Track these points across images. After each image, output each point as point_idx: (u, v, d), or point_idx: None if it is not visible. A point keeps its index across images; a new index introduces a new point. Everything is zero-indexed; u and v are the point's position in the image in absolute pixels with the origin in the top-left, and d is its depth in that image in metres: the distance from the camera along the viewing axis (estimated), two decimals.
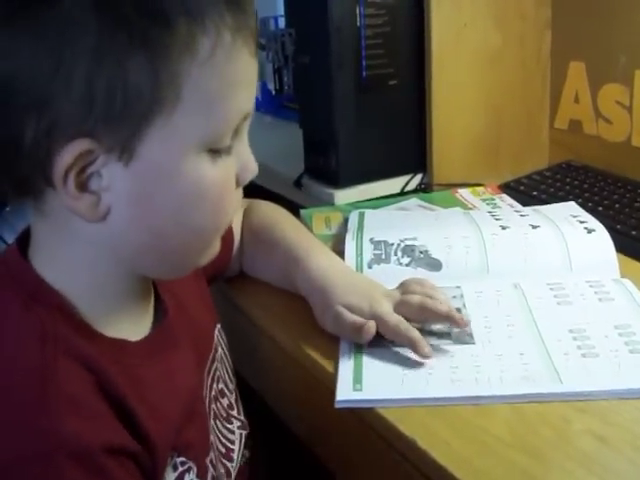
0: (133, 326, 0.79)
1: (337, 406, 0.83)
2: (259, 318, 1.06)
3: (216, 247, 0.80)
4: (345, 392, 0.84)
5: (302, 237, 1.09)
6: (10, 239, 3.51)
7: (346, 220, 1.26)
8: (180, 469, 0.78)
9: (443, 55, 1.44)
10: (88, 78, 0.63)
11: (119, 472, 0.67)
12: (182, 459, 0.78)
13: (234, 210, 0.78)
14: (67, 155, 0.65)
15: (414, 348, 0.88)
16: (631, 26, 1.44)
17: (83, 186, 0.68)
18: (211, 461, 0.85)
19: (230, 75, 0.70)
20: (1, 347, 0.70)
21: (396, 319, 0.91)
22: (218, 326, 0.99)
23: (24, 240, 0.77)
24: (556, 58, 1.60)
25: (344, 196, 1.45)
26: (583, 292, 1.02)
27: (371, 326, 0.90)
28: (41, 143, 0.65)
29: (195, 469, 0.80)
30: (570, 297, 1.01)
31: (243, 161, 0.76)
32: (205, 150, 0.70)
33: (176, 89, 0.66)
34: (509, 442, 0.75)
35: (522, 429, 0.78)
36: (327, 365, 0.90)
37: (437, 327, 0.94)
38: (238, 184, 0.77)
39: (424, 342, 0.89)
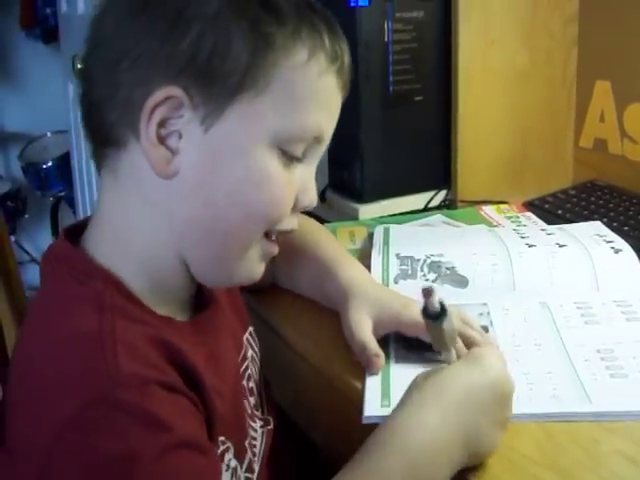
0: (178, 310, 0.82)
1: (364, 422, 0.83)
2: (286, 331, 1.06)
3: (256, 268, 0.83)
4: (373, 408, 0.84)
5: (335, 248, 1.10)
6: (28, 247, 3.56)
7: (370, 235, 1.26)
8: (221, 447, 0.79)
9: (470, 72, 1.44)
10: (195, 40, 0.72)
11: (181, 403, 0.70)
12: (222, 438, 0.79)
13: (284, 225, 0.81)
14: (156, 96, 0.72)
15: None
16: None
17: (162, 140, 0.74)
18: (250, 444, 0.87)
19: (317, 90, 0.77)
20: (63, 323, 0.72)
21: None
22: (250, 329, 0.99)
23: (72, 231, 0.82)
24: (582, 77, 1.60)
25: (368, 211, 1.45)
26: (611, 312, 1.01)
27: (377, 363, 0.90)
28: (136, 91, 0.73)
29: (233, 449, 0.82)
30: (598, 317, 1.00)
31: (306, 186, 0.81)
32: (277, 148, 0.76)
33: (267, 76, 0.73)
34: (538, 461, 0.75)
35: (551, 448, 0.77)
36: (354, 379, 0.90)
37: None
38: (295, 207, 0.80)
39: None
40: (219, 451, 0.79)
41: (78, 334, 0.70)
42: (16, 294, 1.28)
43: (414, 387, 0.77)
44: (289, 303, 1.11)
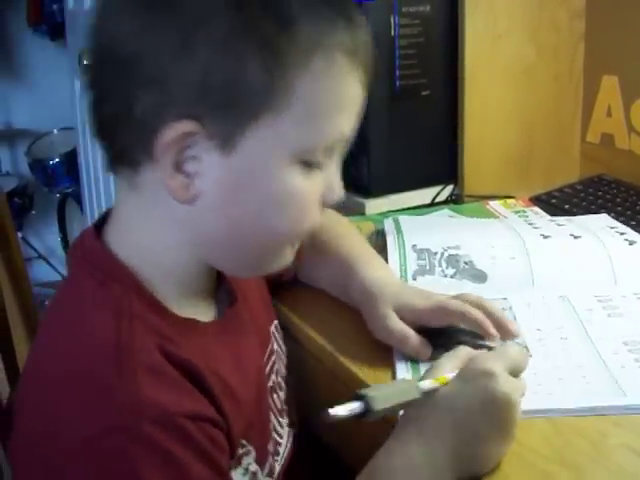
0: (202, 309, 0.82)
1: None
2: (308, 333, 1.03)
3: (288, 258, 0.82)
4: None
5: (357, 245, 1.09)
6: (35, 243, 3.56)
7: (378, 231, 1.26)
8: (241, 450, 0.79)
9: (476, 66, 1.44)
10: (208, 67, 0.68)
11: (201, 436, 0.69)
12: (243, 441, 0.79)
13: (313, 226, 0.80)
14: (171, 132, 0.70)
15: (484, 326, 0.88)
16: None
17: (179, 166, 0.72)
18: (274, 443, 0.87)
19: (339, 95, 0.74)
20: (78, 324, 0.72)
21: (459, 303, 0.91)
22: (275, 322, 0.99)
23: (101, 222, 0.81)
24: (589, 71, 1.59)
25: (375, 206, 1.45)
26: (632, 304, 1.01)
27: (427, 352, 0.90)
28: (149, 117, 0.70)
29: (254, 453, 0.81)
30: (620, 309, 1.00)
31: (331, 182, 0.78)
32: (298, 161, 0.74)
33: (287, 96, 0.70)
34: (546, 455, 0.75)
35: (558, 442, 0.77)
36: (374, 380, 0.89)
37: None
38: (322, 204, 0.79)
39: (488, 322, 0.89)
40: (238, 453, 0.78)
41: (95, 345, 0.70)
42: (23, 290, 1.28)
43: (402, 422, 0.76)
44: (308, 301, 1.09)
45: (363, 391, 0.70)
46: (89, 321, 0.72)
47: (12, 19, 3.56)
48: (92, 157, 2.87)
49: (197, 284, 0.81)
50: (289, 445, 0.94)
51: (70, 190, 3.41)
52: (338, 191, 0.79)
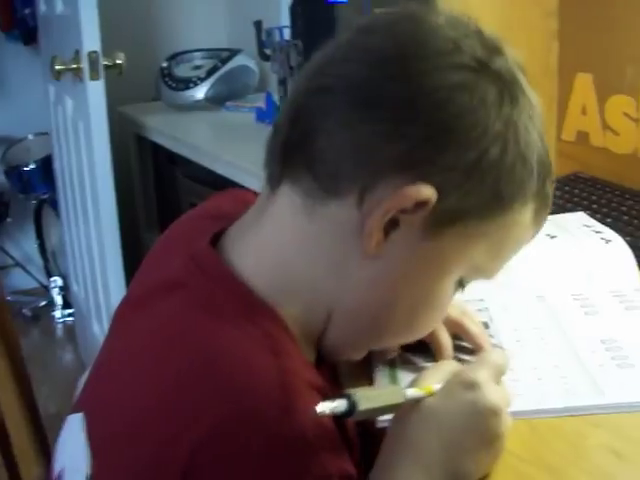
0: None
1: (379, 426, 0.79)
2: None
3: (361, 356, 0.83)
4: None
5: None
6: (12, 251, 3.52)
7: None
8: None
9: None
10: (475, 161, 0.69)
11: None
12: None
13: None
14: (410, 190, 0.68)
15: (442, 355, 0.88)
16: (638, 38, 1.44)
17: (384, 222, 0.70)
18: None
19: (521, 246, 0.79)
20: (235, 364, 0.67)
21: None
22: None
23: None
24: (563, 70, 1.60)
25: None
26: (608, 302, 1.01)
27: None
28: (388, 168, 0.69)
29: None
30: (596, 307, 1.00)
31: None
32: (461, 278, 0.76)
33: (502, 213, 0.73)
34: (524, 457, 0.74)
35: (536, 444, 0.77)
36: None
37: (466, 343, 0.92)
38: None
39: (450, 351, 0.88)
40: None
41: (259, 383, 0.66)
42: None
43: (389, 439, 0.74)
44: None
45: (351, 391, 0.69)
46: (248, 360, 0.67)
47: None
48: (67, 163, 2.85)
49: (314, 334, 0.77)
50: None
51: (46, 196, 3.38)
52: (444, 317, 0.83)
